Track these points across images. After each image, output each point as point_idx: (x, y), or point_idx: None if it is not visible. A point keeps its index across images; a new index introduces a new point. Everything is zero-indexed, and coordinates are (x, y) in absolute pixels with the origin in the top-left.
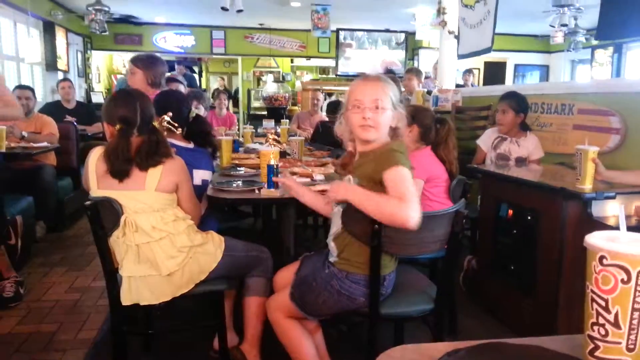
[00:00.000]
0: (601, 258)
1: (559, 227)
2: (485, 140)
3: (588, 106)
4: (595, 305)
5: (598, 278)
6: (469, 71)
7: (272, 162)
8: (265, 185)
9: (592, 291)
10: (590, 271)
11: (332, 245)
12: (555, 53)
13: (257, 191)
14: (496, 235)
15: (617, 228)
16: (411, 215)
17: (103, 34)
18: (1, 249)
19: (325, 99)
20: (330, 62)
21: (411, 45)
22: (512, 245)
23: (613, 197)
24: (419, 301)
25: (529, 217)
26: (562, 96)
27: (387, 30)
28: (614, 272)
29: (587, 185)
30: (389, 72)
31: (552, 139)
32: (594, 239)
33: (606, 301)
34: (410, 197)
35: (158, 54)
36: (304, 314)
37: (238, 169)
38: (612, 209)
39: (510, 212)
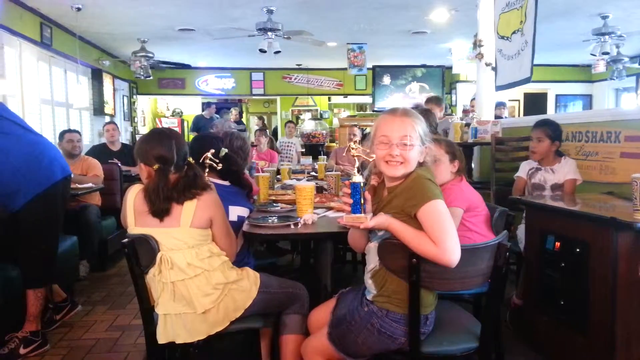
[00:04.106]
0: None
1: (611, 260)
2: (521, 172)
3: (636, 133)
4: None
5: None
6: (501, 104)
7: (358, 180)
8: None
9: None
10: None
11: (369, 282)
12: (598, 82)
13: (292, 226)
14: (543, 269)
15: None
16: (451, 259)
17: (147, 79)
18: (39, 295)
19: (362, 135)
20: (367, 99)
21: (448, 80)
22: (561, 280)
23: None
24: (463, 339)
25: (578, 250)
26: (607, 124)
27: (424, 66)
28: None
29: None
30: (435, 100)
31: (599, 167)
32: None
33: None
34: (446, 238)
35: (200, 97)
36: (343, 355)
37: (274, 204)
38: None
39: (558, 244)
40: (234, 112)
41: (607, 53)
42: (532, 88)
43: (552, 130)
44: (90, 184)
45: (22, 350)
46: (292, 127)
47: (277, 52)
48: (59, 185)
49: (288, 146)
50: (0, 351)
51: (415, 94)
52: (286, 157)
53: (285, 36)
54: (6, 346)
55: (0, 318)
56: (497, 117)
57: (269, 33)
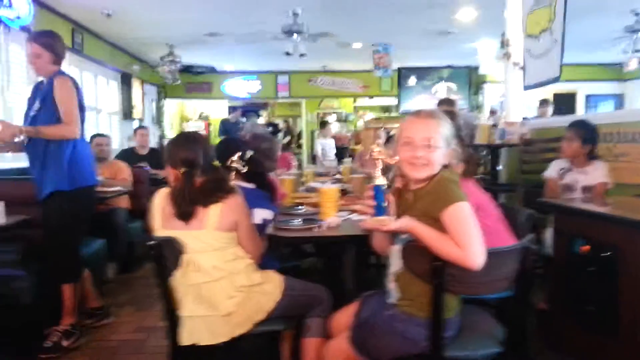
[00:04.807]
0: None
1: None
2: (552, 171)
3: None
4: None
5: None
6: (544, 102)
7: (381, 182)
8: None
9: None
10: None
11: (392, 285)
12: (629, 81)
13: (316, 229)
14: (572, 274)
15: None
16: (476, 262)
17: (175, 83)
18: (75, 289)
19: (387, 137)
20: (393, 100)
21: (475, 80)
22: (590, 284)
23: None
24: (486, 344)
25: (608, 254)
26: (638, 124)
27: (450, 67)
28: None
29: None
30: (448, 102)
31: (630, 169)
32: None
33: None
34: (471, 241)
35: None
36: (364, 359)
37: (299, 207)
38: None
39: (587, 248)
40: (264, 115)
41: (639, 50)
42: (561, 88)
43: (585, 132)
44: (118, 187)
45: (65, 343)
46: (329, 128)
47: (302, 55)
48: (88, 190)
49: (327, 147)
50: (44, 344)
51: (442, 94)
52: (326, 158)
53: (311, 38)
54: (49, 339)
55: (34, 313)
56: (541, 115)
57: (294, 35)
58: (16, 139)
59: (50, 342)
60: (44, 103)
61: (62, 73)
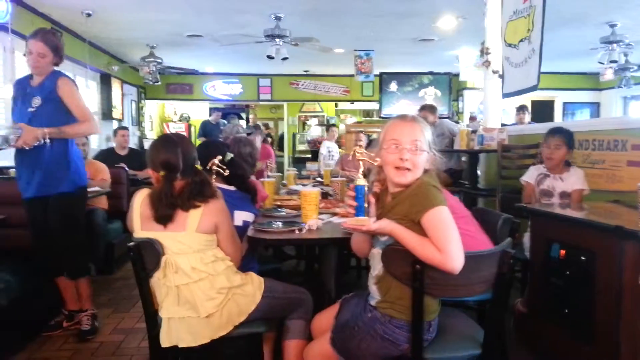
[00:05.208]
0: None
1: (617, 268)
2: (530, 177)
3: None
4: None
5: None
6: (521, 108)
7: (362, 183)
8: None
9: None
10: None
11: (373, 288)
12: (605, 90)
13: (297, 232)
14: (548, 277)
15: None
16: (454, 266)
17: (156, 84)
18: (87, 280)
19: (368, 141)
20: (374, 105)
21: (455, 87)
22: (566, 288)
23: None
24: (466, 346)
25: (583, 258)
26: (614, 132)
27: (431, 73)
28: None
29: None
30: (430, 108)
31: (605, 176)
32: None
33: None
34: (450, 244)
35: (207, 102)
36: None
37: (279, 210)
38: None
39: (563, 252)
40: (251, 117)
41: (615, 61)
42: (540, 96)
43: (569, 138)
44: (97, 188)
45: (96, 324)
46: (335, 131)
47: (284, 59)
48: (84, 189)
49: (333, 150)
50: (83, 327)
51: (431, 97)
52: (331, 160)
53: (293, 43)
54: (84, 324)
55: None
56: (519, 122)
57: (277, 39)
58: (36, 143)
59: (87, 326)
60: (48, 100)
61: (62, 73)
